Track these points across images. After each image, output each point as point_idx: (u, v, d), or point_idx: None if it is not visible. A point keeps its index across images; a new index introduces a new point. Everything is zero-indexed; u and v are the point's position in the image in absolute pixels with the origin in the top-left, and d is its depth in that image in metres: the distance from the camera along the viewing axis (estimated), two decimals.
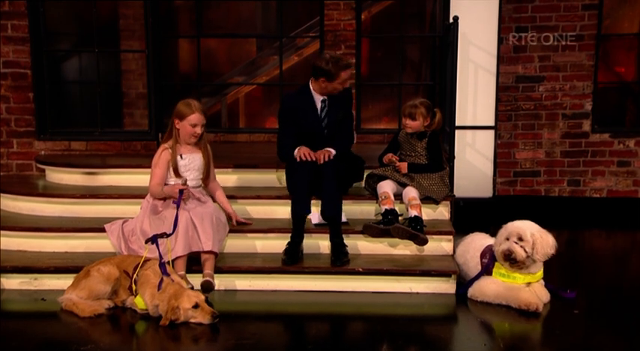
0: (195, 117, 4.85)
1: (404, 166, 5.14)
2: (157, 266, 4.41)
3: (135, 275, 4.43)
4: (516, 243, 4.48)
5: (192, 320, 4.19)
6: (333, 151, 5.02)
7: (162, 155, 4.88)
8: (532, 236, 4.50)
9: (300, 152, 4.98)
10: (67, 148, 6.80)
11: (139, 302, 4.36)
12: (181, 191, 4.70)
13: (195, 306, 4.19)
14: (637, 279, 4.95)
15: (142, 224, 4.83)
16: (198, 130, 4.89)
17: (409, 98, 5.73)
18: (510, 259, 4.49)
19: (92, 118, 6.94)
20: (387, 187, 5.07)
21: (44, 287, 4.81)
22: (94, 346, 3.94)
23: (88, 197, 5.46)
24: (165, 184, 4.89)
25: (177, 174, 4.87)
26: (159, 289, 4.28)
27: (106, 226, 4.99)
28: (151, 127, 6.78)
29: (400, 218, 4.93)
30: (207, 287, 4.52)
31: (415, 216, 4.89)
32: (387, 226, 4.86)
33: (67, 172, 6.01)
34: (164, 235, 4.53)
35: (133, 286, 4.41)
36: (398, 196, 5.08)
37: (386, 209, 4.92)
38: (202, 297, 4.26)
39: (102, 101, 6.96)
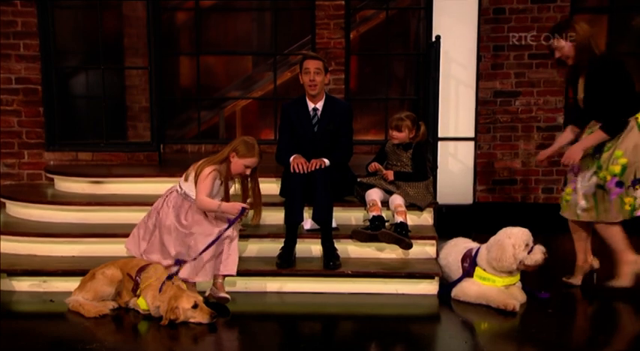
0: (253, 161, 4.69)
1: (390, 174, 5.15)
2: (159, 269, 4.41)
3: (138, 278, 4.41)
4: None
5: (191, 320, 4.18)
6: (327, 162, 5.02)
7: (211, 176, 4.63)
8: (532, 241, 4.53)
9: (294, 162, 4.98)
10: (74, 158, 6.77)
11: (142, 303, 4.35)
12: (243, 210, 4.55)
13: (195, 306, 4.17)
14: (606, 280, 4.97)
15: (165, 237, 4.67)
16: (248, 172, 4.72)
17: (395, 112, 5.75)
18: (545, 260, 4.49)
19: (98, 131, 6.91)
20: (374, 194, 5.08)
21: (53, 289, 4.78)
22: (99, 344, 3.93)
23: (94, 205, 5.45)
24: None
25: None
26: (160, 291, 4.27)
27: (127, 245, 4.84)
28: (153, 139, 6.76)
29: (387, 224, 4.94)
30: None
31: (401, 222, 4.90)
32: (374, 231, 4.86)
33: (75, 181, 5.99)
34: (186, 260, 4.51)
35: (138, 287, 4.40)
36: (385, 204, 5.08)
37: (373, 216, 4.92)
38: (201, 298, 4.26)
39: (107, 114, 6.92)
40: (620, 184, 4.54)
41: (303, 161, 4.97)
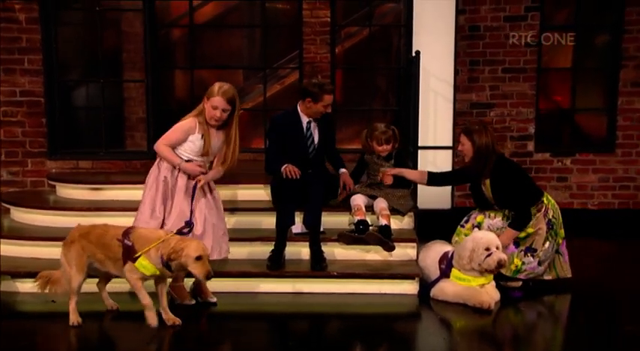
0: (217, 100, 4.31)
1: (389, 178, 5.13)
2: (142, 229, 4.10)
3: (127, 241, 3.97)
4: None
5: (189, 269, 3.87)
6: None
7: (188, 122, 4.38)
8: (498, 247, 4.56)
9: (287, 170, 4.94)
10: (75, 166, 6.77)
11: (142, 265, 3.93)
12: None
13: (199, 258, 3.84)
14: (573, 280, 5.02)
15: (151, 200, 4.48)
16: (218, 114, 4.33)
17: (378, 122, 5.76)
18: (501, 266, 4.52)
19: (98, 140, 6.92)
20: (359, 199, 5.08)
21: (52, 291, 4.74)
22: (97, 343, 3.92)
23: (94, 210, 5.43)
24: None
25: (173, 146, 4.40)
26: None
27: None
28: (150, 148, 6.73)
29: (371, 227, 4.94)
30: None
31: (385, 225, 4.91)
32: (359, 234, 4.87)
33: (75, 187, 5.97)
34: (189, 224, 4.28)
35: (129, 252, 3.96)
36: (368, 208, 5.08)
37: (359, 220, 4.93)
38: (208, 251, 3.99)
39: (106, 125, 6.94)
40: (517, 244, 4.81)
41: (292, 167, 4.95)
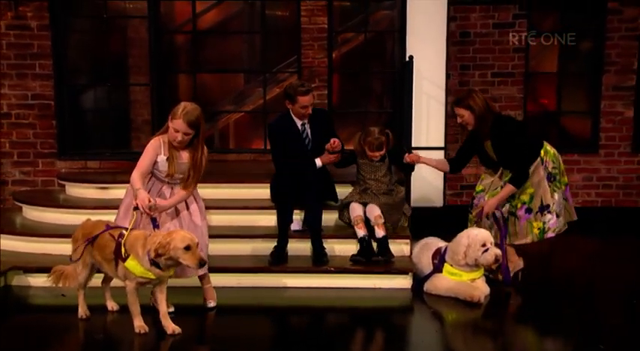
0: (178, 124, 3.98)
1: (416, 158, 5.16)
2: (136, 230, 3.92)
3: (120, 239, 3.85)
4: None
5: (180, 260, 3.71)
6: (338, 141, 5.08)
7: (153, 142, 4.12)
8: (492, 243, 4.59)
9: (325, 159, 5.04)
10: (83, 166, 6.79)
11: (132, 266, 3.80)
12: (149, 207, 3.94)
13: (187, 248, 3.69)
14: (559, 276, 5.06)
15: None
16: (179, 137, 4.00)
17: (373, 124, 5.76)
18: (497, 260, 4.56)
19: (105, 141, 6.94)
20: (358, 210, 4.97)
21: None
22: (104, 335, 3.95)
23: (101, 208, 5.44)
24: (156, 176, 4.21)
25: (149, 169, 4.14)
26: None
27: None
28: None
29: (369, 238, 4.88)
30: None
31: (383, 236, 4.86)
32: (363, 257, 4.83)
33: (84, 187, 6.00)
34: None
35: (122, 249, 3.81)
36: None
37: (362, 237, 4.85)
38: (196, 240, 3.77)
39: (113, 127, 6.98)
40: (528, 210, 4.79)
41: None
